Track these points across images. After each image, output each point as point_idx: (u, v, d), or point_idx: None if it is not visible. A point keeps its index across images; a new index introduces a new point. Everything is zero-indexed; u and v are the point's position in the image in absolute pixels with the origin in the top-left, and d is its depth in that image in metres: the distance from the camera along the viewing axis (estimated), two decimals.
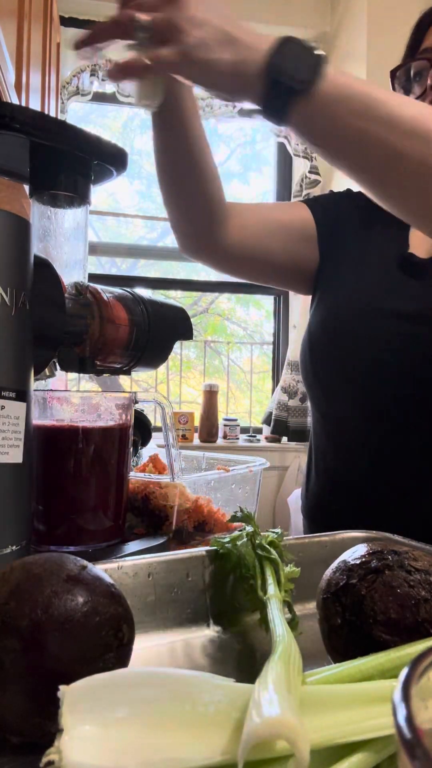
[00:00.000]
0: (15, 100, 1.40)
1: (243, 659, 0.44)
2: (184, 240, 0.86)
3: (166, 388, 2.93)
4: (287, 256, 0.90)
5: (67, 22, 2.48)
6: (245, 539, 0.47)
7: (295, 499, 2.45)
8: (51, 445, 0.55)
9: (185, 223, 0.84)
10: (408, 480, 0.79)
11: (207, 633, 0.47)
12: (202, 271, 3.02)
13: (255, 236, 0.87)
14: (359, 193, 0.92)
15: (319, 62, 0.53)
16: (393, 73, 0.85)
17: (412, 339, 0.76)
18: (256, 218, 0.88)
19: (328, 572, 0.38)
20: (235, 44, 0.52)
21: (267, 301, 3.13)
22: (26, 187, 0.60)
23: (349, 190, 0.98)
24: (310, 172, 2.78)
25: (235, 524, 0.64)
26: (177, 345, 0.74)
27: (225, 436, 2.66)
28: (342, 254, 0.90)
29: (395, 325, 0.78)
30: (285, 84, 0.52)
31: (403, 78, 0.84)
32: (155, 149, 0.76)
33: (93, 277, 0.64)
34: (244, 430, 2.83)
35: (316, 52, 0.53)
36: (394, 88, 0.85)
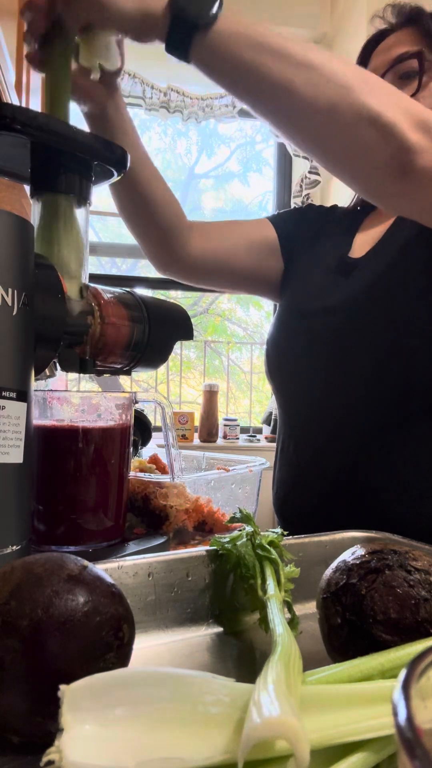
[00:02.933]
0: (15, 101, 1.40)
1: (243, 659, 0.44)
2: (152, 259, 0.95)
3: (166, 388, 2.93)
4: (251, 266, 0.97)
5: None
6: (245, 539, 0.47)
7: None
8: (51, 445, 0.55)
9: (148, 245, 0.92)
10: (353, 474, 0.81)
11: (207, 633, 0.47)
12: None
13: (218, 249, 0.94)
14: (319, 206, 1.06)
15: (218, 2, 0.60)
16: None
17: (336, 331, 0.81)
18: (218, 233, 0.95)
19: (328, 572, 0.38)
20: None
21: (267, 302, 3.13)
22: (26, 187, 0.60)
23: (309, 205, 1.07)
24: (310, 172, 2.77)
25: (235, 524, 0.64)
26: (177, 345, 0.74)
27: (225, 436, 2.65)
28: (297, 263, 0.97)
29: (322, 320, 0.83)
30: (186, 20, 0.59)
31: None
32: (110, 189, 0.82)
33: (93, 277, 0.64)
34: (244, 430, 2.83)
35: None
36: None
